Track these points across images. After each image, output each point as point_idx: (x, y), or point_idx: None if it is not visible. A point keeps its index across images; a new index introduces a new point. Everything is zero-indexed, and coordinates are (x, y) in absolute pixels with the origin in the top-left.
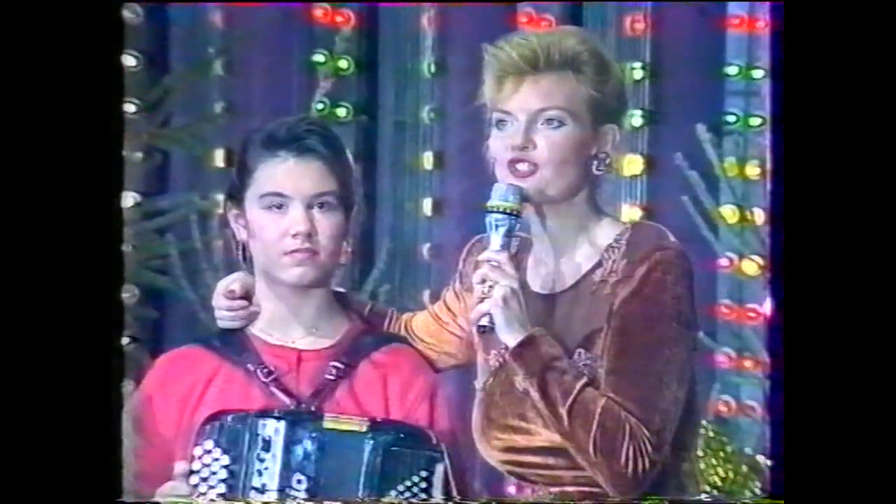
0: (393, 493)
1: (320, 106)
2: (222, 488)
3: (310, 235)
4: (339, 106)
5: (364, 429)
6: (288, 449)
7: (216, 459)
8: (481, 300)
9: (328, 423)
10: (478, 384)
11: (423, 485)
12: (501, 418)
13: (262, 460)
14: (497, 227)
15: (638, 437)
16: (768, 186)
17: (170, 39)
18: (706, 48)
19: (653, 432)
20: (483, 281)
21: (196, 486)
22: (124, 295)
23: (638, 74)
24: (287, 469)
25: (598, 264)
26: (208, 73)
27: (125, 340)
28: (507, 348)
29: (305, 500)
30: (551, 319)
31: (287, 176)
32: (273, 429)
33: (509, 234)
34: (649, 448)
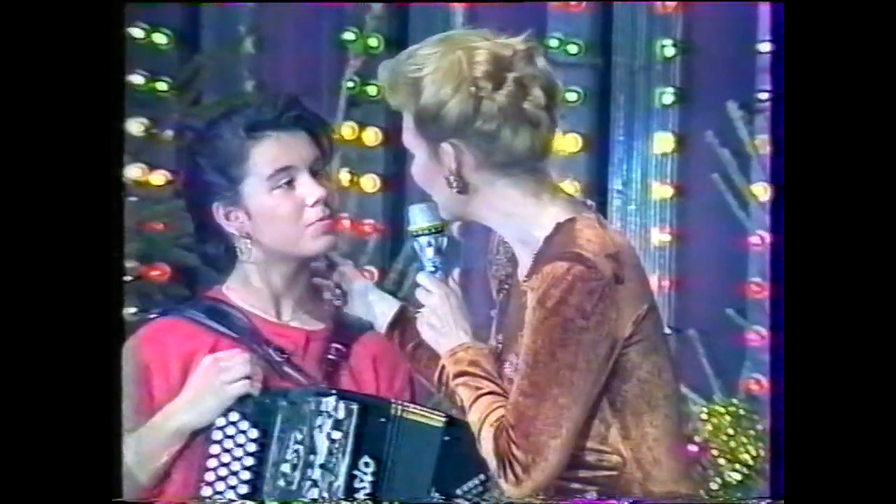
0: (459, 491)
1: (350, 84)
2: (249, 461)
3: (326, 201)
4: (370, 84)
5: (441, 424)
6: (360, 431)
7: (242, 431)
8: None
9: (403, 413)
10: None
11: (483, 488)
12: None
13: (332, 440)
14: (424, 248)
15: (508, 448)
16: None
17: (201, 18)
18: (738, 25)
19: (523, 443)
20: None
21: (217, 455)
22: (154, 273)
23: (669, 52)
24: (356, 451)
25: None
26: (239, 51)
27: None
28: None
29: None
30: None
31: (287, 149)
32: (346, 409)
33: (438, 252)
34: (519, 455)
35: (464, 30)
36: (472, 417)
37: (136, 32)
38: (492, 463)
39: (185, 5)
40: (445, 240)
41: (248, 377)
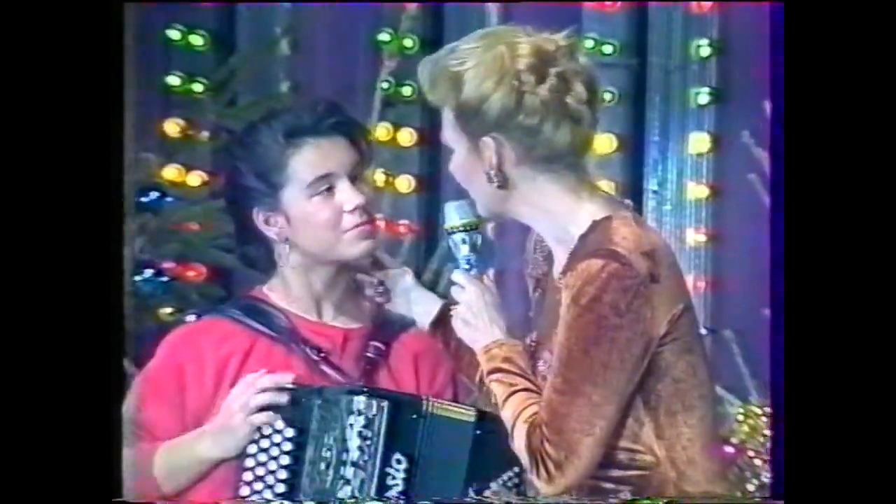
0: (493, 485)
1: (385, 85)
2: (286, 460)
3: (364, 207)
4: (405, 85)
5: (472, 418)
6: (391, 429)
7: (279, 431)
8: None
9: (434, 409)
10: None
11: (518, 479)
12: None
13: (363, 437)
14: (459, 245)
15: (541, 445)
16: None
17: (237, 19)
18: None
19: (556, 440)
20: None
21: (254, 455)
22: (191, 273)
23: (705, 52)
24: (388, 449)
25: None
26: (274, 52)
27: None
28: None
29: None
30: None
31: (326, 157)
32: (377, 407)
33: (473, 249)
34: (552, 452)
35: (505, 26)
36: (506, 414)
37: (173, 34)
38: (525, 460)
39: (220, 5)
40: (480, 237)
41: (265, 408)
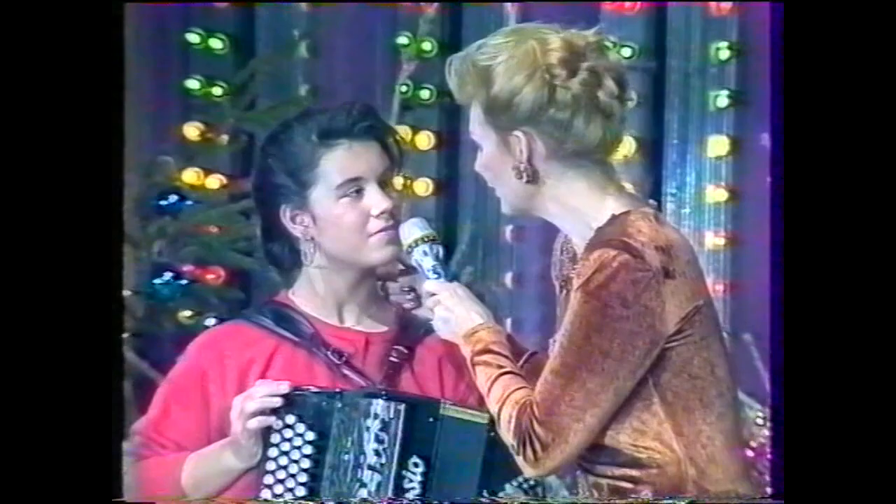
0: (508, 487)
1: (404, 88)
2: (306, 463)
3: (391, 212)
4: (423, 88)
5: (485, 421)
6: (407, 432)
7: (299, 434)
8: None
9: (449, 412)
10: None
11: (533, 481)
12: None
13: (380, 441)
14: (422, 259)
15: (531, 424)
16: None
17: (256, 23)
18: None
19: (546, 422)
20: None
21: (275, 458)
22: (210, 276)
23: (724, 54)
24: (405, 452)
25: None
26: (293, 55)
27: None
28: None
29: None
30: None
31: (357, 160)
32: (393, 410)
33: (437, 259)
34: (540, 433)
35: (533, 23)
36: (494, 394)
37: (193, 37)
38: (511, 441)
39: (239, 5)
40: (441, 248)
41: (260, 412)
